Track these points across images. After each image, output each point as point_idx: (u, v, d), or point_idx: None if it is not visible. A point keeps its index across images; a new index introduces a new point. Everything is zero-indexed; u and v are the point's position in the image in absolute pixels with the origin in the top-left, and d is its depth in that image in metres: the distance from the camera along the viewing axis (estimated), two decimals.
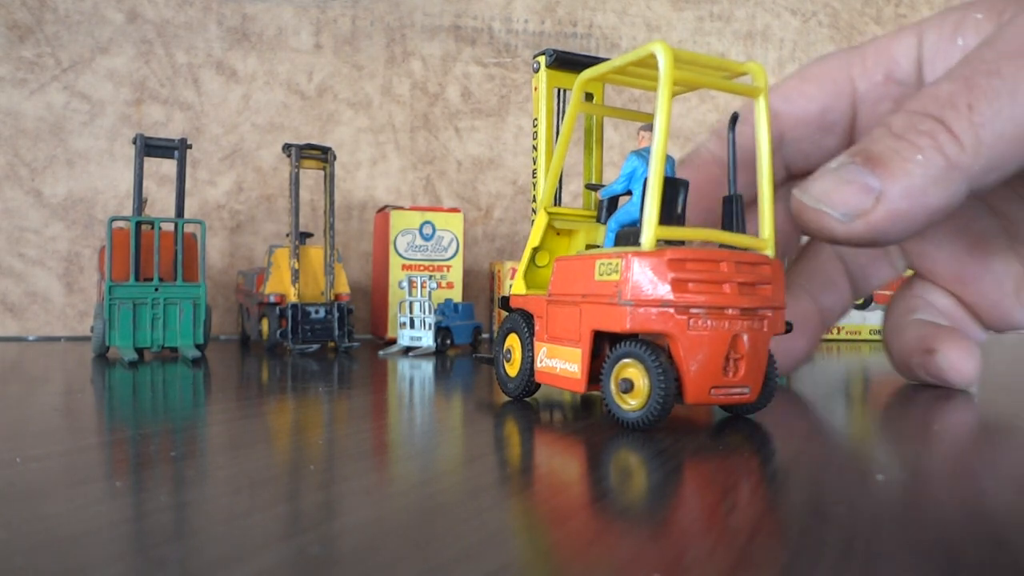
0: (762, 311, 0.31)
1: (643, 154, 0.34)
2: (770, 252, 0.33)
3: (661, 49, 0.30)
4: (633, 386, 0.31)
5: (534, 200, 0.39)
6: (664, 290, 0.30)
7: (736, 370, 0.31)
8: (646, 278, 0.30)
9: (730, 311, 0.30)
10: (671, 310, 0.30)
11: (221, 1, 0.82)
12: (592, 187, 0.39)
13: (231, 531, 0.18)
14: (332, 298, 0.65)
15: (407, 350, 0.63)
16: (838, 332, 0.83)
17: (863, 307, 0.83)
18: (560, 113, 0.40)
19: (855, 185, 0.31)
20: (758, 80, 0.33)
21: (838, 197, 0.32)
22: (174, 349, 0.58)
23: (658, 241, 0.31)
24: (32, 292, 0.78)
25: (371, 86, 0.85)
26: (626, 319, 0.30)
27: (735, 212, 0.34)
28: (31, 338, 0.77)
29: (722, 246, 0.33)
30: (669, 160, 0.35)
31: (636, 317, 0.30)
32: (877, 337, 0.83)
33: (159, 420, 0.33)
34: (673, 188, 0.33)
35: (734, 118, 0.34)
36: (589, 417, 0.34)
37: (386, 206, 0.74)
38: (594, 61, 0.38)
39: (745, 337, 0.31)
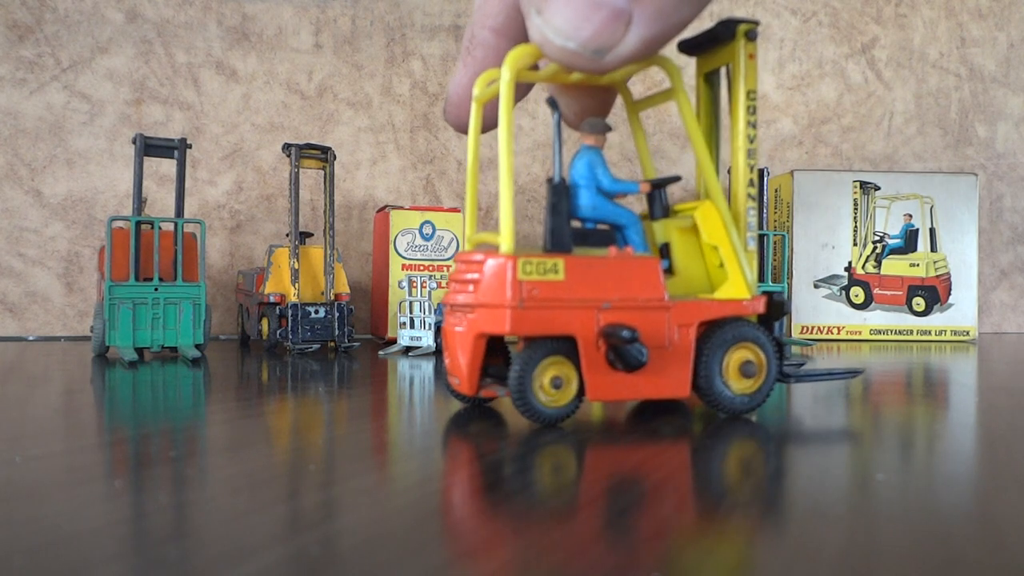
0: (464, 309, 0.33)
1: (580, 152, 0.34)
2: (504, 246, 0.31)
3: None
4: None
5: None
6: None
7: (452, 360, 0.34)
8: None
9: (448, 308, 0.34)
10: None
11: (221, 1, 0.82)
12: (657, 183, 0.36)
13: (231, 531, 0.18)
14: (332, 298, 0.65)
15: (407, 350, 0.63)
16: (838, 332, 0.83)
17: (863, 307, 0.83)
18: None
19: (604, 11, 0.26)
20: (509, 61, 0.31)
21: (589, 31, 0.26)
22: (174, 349, 0.58)
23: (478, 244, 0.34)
24: (32, 292, 0.78)
25: (371, 86, 0.85)
26: None
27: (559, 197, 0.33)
28: (31, 338, 0.77)
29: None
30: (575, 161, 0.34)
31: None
32: (877, 337, 0.83)
33: (159, 420, 0.33)
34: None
35: (551, 101, 0.33)
36: (588, 417, 0.34)
37: (386, 206, 0.74)
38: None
39: (448, 331, 0.34)
